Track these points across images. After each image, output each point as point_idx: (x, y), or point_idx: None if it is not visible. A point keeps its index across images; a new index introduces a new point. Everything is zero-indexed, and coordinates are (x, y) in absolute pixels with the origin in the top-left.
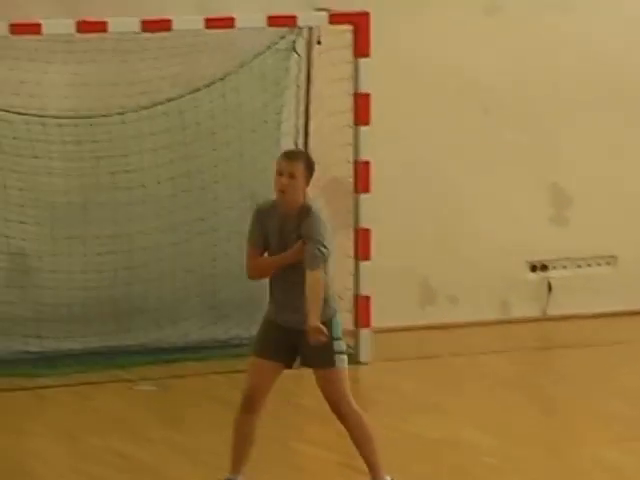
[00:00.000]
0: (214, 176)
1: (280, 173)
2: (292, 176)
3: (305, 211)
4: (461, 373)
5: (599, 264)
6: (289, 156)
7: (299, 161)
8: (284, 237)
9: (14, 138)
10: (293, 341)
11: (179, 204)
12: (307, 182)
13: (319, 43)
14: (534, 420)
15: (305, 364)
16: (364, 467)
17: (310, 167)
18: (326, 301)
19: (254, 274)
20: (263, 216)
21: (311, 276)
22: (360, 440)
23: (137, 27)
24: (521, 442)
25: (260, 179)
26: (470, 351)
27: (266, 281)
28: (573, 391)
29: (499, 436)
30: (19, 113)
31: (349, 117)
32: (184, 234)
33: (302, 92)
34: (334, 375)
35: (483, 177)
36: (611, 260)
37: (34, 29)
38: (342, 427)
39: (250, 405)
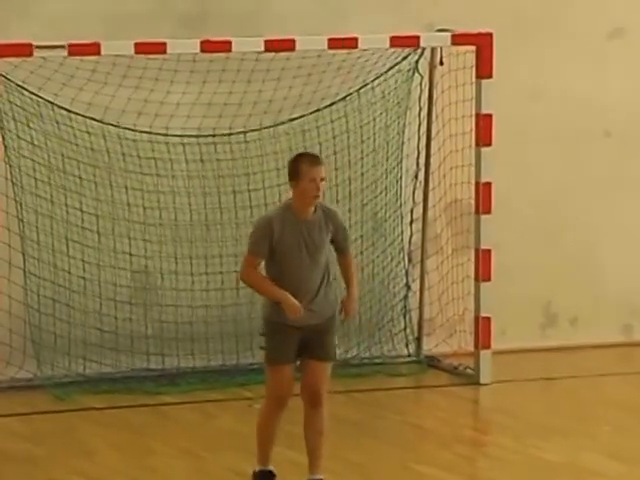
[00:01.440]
0: (335, 196)
1: (313, 179)
2: (323, 180)
3: (324, 209)
4: (585, 396)
5: None
6: (318, 161)
7: (324, 165)
8: (310, 235)
9: (138, 157)
10: (302, 338)
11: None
12: None
13: (441, 64)
14: None
15: (310, 357)
16: None
17: None
18: (336, 295)
19: (248, 281)
20: (277, 224)
21: (351, 257)
22: (320, 430)
23: (261, 47)
24: None
25: (382, 200)
26: (591, 374)
27: None
28: None
29: (621, 461)
30: (143, 132)
31: (471, 138)
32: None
33: (424, 113)
34: (328, 367)
35: (607, 202)
36: None
37: (159, 48)
38: (460, 449)
39: (282, 406)
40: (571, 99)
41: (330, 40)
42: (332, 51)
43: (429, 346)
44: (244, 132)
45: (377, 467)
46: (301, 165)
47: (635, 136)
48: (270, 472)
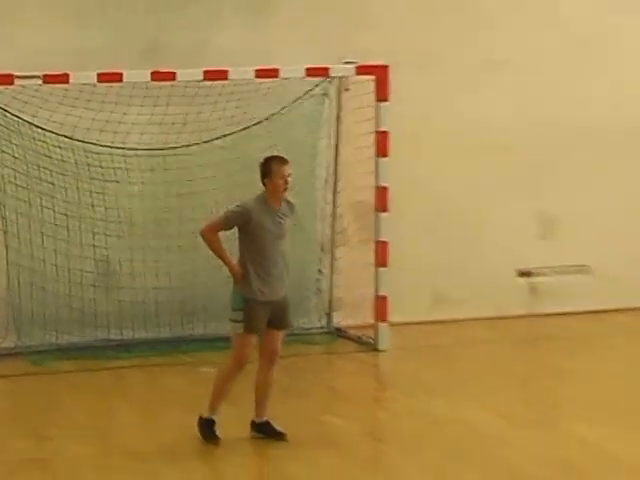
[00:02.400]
0: None
1: (283, 176)
2: (290, 176)
3: (287, 201)
4: (464, 361)
5: (575, 272)
6: (285, 161)
7: (289, 164)
8: (280, 222)
9: (101, 167)
10: (270, 311)
11: None
12: None
13: (347, 90)
14: (524, 400)
15: (274, 327)
16: (383, 435)
17: None
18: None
19: (207, 238)
20: (255, 212)
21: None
22: (271, 383)
23: (200, 77)
24: (515, 420)
25: (301, 200)
26: (471, 342)
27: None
28: (556, 376)
29: (502, 417)
30: (105, 146)
31: (372, 150)
32: (228, 240)
33: (333, 130)
34: (284, 334)
35: (485, 203)
36: (584, 269)
37: (117, 78)
38: (363, 403)
39: (243, 367)
40: (455, 118)
41: (257, 71)
42: (258, 80)
43: (338, 320)
44: (187, 146)
45: (296, 419)
46: (272, 165)
47: (506, 147)
48: (213, 420)
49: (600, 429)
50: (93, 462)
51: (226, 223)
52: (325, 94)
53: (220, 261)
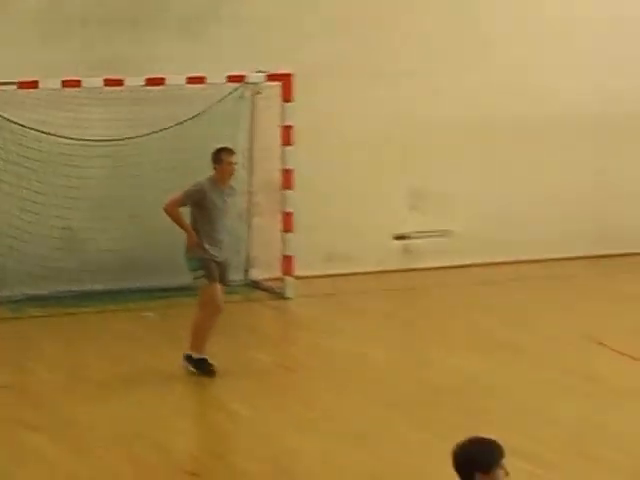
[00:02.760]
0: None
1: (230, 163)
2: (236, 163)
3: (230, 185)
4: (354, 306)
5: (439, 235)
6: (233, 152)
7: (235, 154)
8: (225, 200)
9: (66, 155)
10: (217, 269)
11: (164, 201)
12: None
13: (259, 93)
14: (403, 337)
15: (219, 282)
16: (294, 366)
17: None
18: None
19: (170, 213)
20: (208, 191)
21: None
22: (213, 324)
23: (142, 82)
24: (394, 351)
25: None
26: (358, 291)
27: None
28: (426, 315)
29: (387, 349)
30: (70, 138)
31: (279, 141)
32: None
33: (249, 125)
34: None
35: (370, 181)
36: (447, 232)
37: (77, 84)
38: (273, 339)
39: (220, 311)
40: (349, 116)
41: (188, 78)
42: (189, 85)
43: (254, 274)
44: (134, 137)
45: (220, 354)
46: (222, 154)
47: (387, 138)
48: (205, 359)
49: (459, 355)
50: (61, 387)
51: (185, 199)
52: (242, 96)
53: (171, 229)
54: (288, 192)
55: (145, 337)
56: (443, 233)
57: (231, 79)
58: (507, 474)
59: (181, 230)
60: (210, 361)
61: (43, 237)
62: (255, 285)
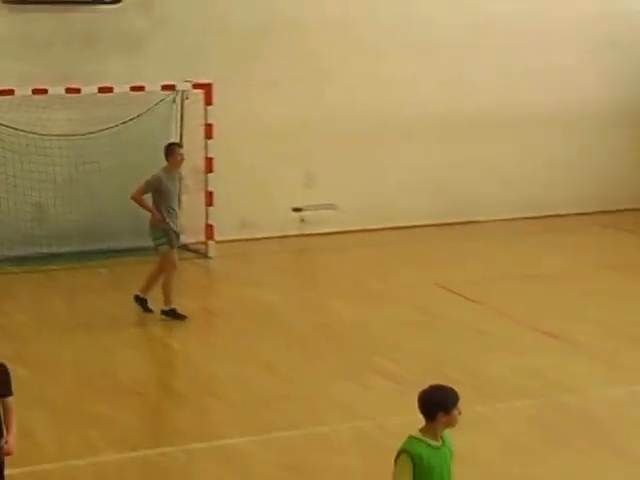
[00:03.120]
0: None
1: (180, 154)
2: (183, 155)
3: (179, 171)
4: (262, 263)
5: (326, 208)
6: (180, 145)
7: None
8: (176, 184)
9: (37, 147)
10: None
11: (114, 183)
12: None
13: (187, 98)
14: (300, 287)
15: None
16: (215, 309)
17: None
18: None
19: (136, 200)
20: (163, 179)
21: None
22: (173, 279)
23: (95, 90)
24: (293, 299)
25: (159, 166)
26: (265, 252)
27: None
28: (320, 271)
29: (284, 296)
30: (39, 134)
31: (202, 135)
32: (116, 193)
33: (179, 124)
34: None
35: (274, 166)
36: (332, 206)
37: (44, 91)
38: (200, 290)
39: (176, 269)
40: (255, 114)
41: (131, 87)
42: (132, 92)
43: (184, 239)
44: (90, 133)
45: (159, 302)
46: (174, 147)
47: (289, 133)
48: (175, 308)
49: (342, 300)
50: (33, 328)
51: (147, 188)
52: (174, 101)
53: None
54: (209, 175)
55: (100, 288)
56: (329, 206)
57: (165, 87)
58: (460, 413)
59: (139, 208)
60: (179, 310)
61: (18, 211)
62: (184, 247)
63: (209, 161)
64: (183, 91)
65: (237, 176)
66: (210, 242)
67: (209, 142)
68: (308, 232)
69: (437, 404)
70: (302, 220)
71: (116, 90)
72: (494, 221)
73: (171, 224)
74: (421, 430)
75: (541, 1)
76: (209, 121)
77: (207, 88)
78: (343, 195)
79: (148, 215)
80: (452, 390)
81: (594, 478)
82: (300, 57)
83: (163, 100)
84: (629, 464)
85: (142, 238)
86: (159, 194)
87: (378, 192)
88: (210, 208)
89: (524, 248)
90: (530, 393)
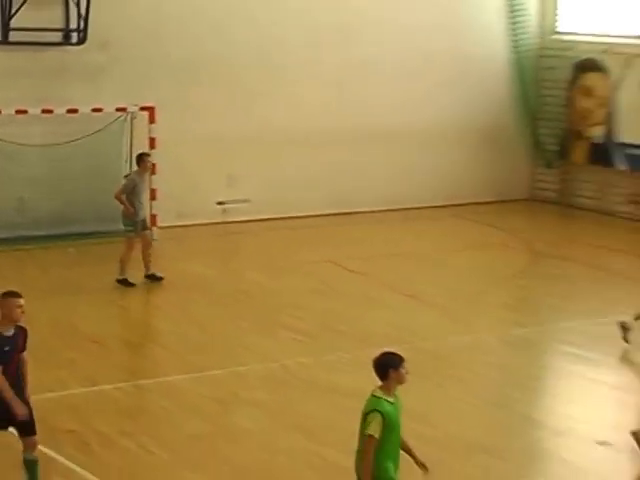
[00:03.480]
0: (103, 169)
1: (149, 162)
2: (150, 162)
3: (148, 174)
4: (196, 245)
5: (243, 202)
6: (149, 155)
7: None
8: (144, 183)
9: (20, 154)
10: (141, 225)
11: (80, 182)
12: None
13: (135, 118)
14: (226, 263)
15: (142, 230)
16: (163, 283)
17: None
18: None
19: (118, 199)
20: (137, 181)
21: None
22: (130, 257)
23: (64, 112)
24: (222, 272)
25: (114, 170)
26: (196, 236)
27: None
28: (239, 251)
29: (212, 270)
30: (21, 144)
31: (147, 146)
32: (82, 189)
33: (129, 137)
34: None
35: (202, 170)
36: (247, 200)
37: (25, 112)
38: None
39: (133, 249)
40: (188, 130)
41: (92, 109)
42: (94, 113)
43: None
44: (59, 144)
45: (116, 273)
46: (143, 157)
47: (220, 138)
48: (127, 278)
49: (257, 272)
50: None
51: (125, 189)
52: (125, 120)
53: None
54: (153, 176)
55: (69, 263)
56: (245, 200)
57: (118, 109)
58: (407, 372)
59: (100, 200)
60: (130, 280)
61: (5, 203)
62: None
63: (153, 165)
64: (132, 112)
65: (175, 177)
66: (154, 228)
67: (153, 151)
68: (229, 220)
69: (386, 364)
70: (224, 211)
71: (81, 111)
72: (368, 212)
73: (139, 214)
74: (380, 388)
75: (407, 42)
76: (152, 135)
77: (151, 110)
78: (256, 191)
79: (108, 206)
80: (397, 354)
81: (448, 402)
82: (226, 83)
83: (117, 119)
84: (471, 391)
85: (102, 223)
86: (132, 192)
87: (282, 188)
88: (154, 202)
89: (393, 233)
90: (397, 340)
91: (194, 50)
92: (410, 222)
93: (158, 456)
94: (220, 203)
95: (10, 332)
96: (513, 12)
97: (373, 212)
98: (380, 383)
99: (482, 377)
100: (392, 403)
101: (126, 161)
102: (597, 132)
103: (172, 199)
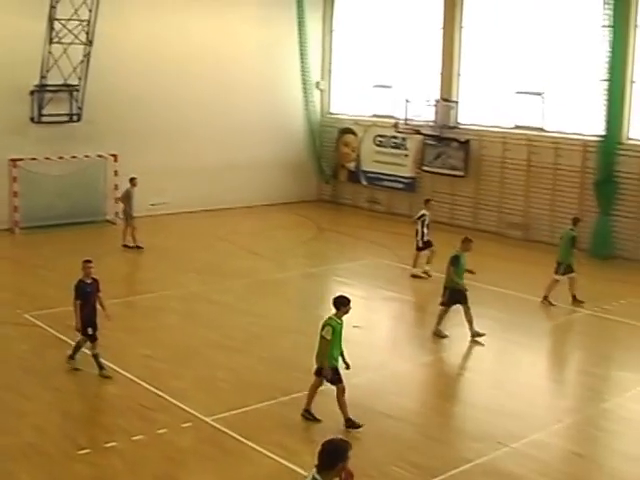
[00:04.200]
0: (85, 183)
1: (136, 180)
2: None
3: (134, 188)
4: (140, 228)
5: (164, 203)
6: (136, 178)
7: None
8: (134, 194)
9: (39, 179)
10: None
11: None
12: None
13: (106, 159)
14: (166, 241)
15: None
16: (135, 249)
17: None
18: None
19: (120, 201)
20: (131, 192)
21: None
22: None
23: (70, 157)
24: (156, 250)
25: (94, 191)
26: (139, 223)
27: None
28: (166, 240)
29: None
30: (41, 174)
31: (113, 175)
32: (80, 194)
33: (104, 171)
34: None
35: (141, 187)
36: (166, 202)
37: (49, 158)
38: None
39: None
40: (135, 165)
41: (84, 156)
42: (84, 158)
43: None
44: (61, 175)
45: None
46: (134, 179)
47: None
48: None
49: (183, 245)
50: (10, 265)
51: (124, 198)
52: (103, 160)
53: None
54: (118, 188)
55: (76, 240)
56: (166, 201)
57: (99, 156)
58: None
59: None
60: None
61: (36, 203)
62: (109, 221)
63: (115, 186)
64: (104, 157)
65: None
66: (118, 219)
67: (116, 177)
68: (157, 214)
69: (341, 302)
70: (153, 207)
71: (78, 157)
72: (232, 208)
73: (132, 211)
74: (336, 315)
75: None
76: (116, 169)
77: (115, 156)
78: (174, 196)
79: (91, 206)
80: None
81: (274, 306)
82: (154, 138)
83: (94, 162)
84: (289, 300)
85: (90, 217)
86: (128, 200)
87: (186, 195)
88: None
89: (251, 220)
90: (246, 275)
91: (140, 122)
92: (254, 214)
93: None
94: (152, 204)
95: (89, 281)
96: (307, 100)
97: (235, 208)
98: (335, 311)
99: (295, 294)
100: (339, 323)
101: (103, 181)
102: (351, 165)
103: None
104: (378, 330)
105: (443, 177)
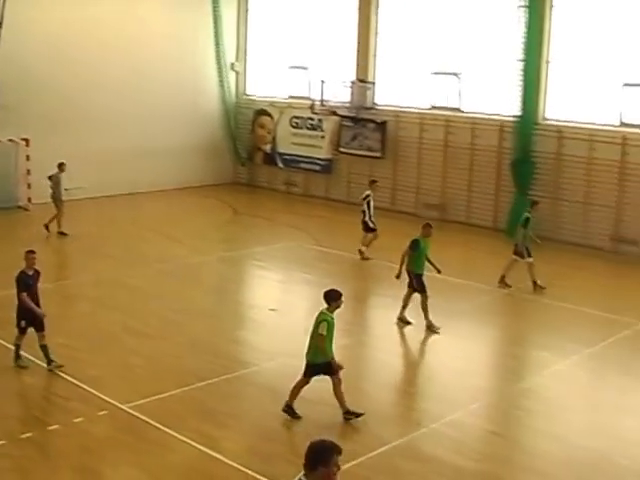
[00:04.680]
0: None
1: (64, 166)
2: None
3: None
4: (80, 218)
5: (83, 187)
6: (64, 162)
7: None
8: (62, 179)
9: None
10: None
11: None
12: None
13: (18, 144)
14: (90, 226)
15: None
16: (68, 236)
17: None
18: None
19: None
20: (59, 177)
21: None
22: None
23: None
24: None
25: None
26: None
27: None
28: (84, 217)
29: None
30: None
31: (25, 159)
32: None
33: (15, 155)
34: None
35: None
36: (84, 187)
37: None
38: (37, 232)
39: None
40: (59, 151)
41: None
42: None
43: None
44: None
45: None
46: (62, 165)
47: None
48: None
49: (95, 226)
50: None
51: (53, 181)
52: (15, 144)
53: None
54: (33, 172)
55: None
56: (82, 186)
57: (10, 140)
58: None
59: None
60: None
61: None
62: (21, 207)
63: (28, 171)
64: (17, 141)
65: (44, 177)
66: (29, 204)
67: (28, 162)
68: (74, 199)
69: (332, 297)
70: (66, 190)
71: None
72: (150, 192)
73: (61, 198)
74: (328, 309)
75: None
76: (28, 154)
77: (27, 140)
78: (88, 180)
79: (3, 190)
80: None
81: (181, 290)
82: (68, 122)
83: (9, 143)
84: (202, 285)
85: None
86: (56, 185)
87: (101, 178)
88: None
89: (166, 204)
90: (165, 260)
91: (53, 107)
92: (169, 198)
93: None
94: (66, 189)
95: (31, 272)
96: (222, 81)
97: (150, 192)
98: (326, 306)
99: (211, 278)
100: (332, 317)
101: (15, 166)
102: (267, 147)
103: (46, 188)
104: (295, 314)
105: (360, 158)
